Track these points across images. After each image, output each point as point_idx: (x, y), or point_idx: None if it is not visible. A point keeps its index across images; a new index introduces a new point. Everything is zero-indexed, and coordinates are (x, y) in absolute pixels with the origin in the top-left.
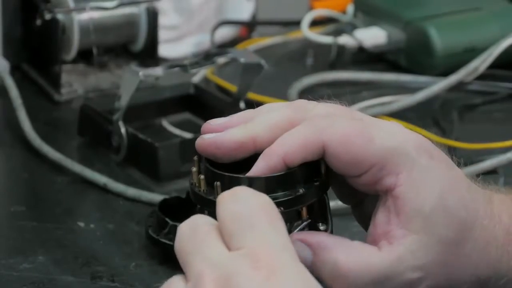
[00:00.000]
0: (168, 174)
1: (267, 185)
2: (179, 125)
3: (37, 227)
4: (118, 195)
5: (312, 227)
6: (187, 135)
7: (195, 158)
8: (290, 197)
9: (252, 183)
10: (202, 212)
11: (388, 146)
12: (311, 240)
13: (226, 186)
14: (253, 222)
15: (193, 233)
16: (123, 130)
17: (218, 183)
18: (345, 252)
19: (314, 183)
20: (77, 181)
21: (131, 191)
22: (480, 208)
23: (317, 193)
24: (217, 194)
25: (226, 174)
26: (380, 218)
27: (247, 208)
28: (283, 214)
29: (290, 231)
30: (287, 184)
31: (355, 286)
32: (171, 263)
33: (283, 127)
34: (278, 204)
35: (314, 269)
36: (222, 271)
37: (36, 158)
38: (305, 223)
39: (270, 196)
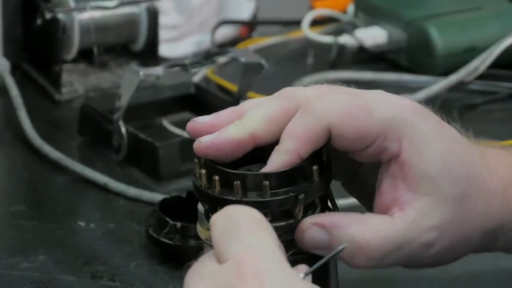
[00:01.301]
0: (168, 173)
1: (285, 179)
2: (180, 124)
3: (38, 227)
4: (119, 194)
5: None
6: (188, 135)
7: (196, 160)
8: (308, 189)
9: (270, 179)
10: (215, 212)
11: (387, 116)
12: (324, 221)
13: (245, 185)
14: (239, 234)
15: (199, 260)
16: (123, 129)
17: (238, 182)
18: (360, 227)
19: (323, 172)
20: (78, 180)
21: (131, 191)
22: (477, 162)
23: (325, 184)
24: (237, 193)
25: (244, 173)
26: (386, 186)
27: (234, 223)
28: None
29: None
30: (302, 176)
31: (374, 259)
32: (171, 263)
33: (279, 118)
34: (298, 195)
35: (331, 248)
36: (211, 282)
37: (37, 158)
38: (318, 209)
39: (287, 190)
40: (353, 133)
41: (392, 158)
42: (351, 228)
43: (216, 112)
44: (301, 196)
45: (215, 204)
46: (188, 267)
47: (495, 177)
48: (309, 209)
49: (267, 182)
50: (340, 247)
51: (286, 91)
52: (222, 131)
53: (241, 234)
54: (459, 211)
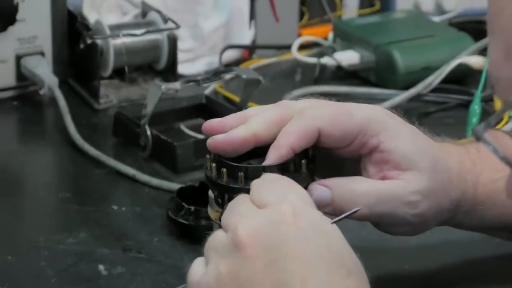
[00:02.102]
0: (184, 167)
1: (279, 170)
2: (194, 128)
3: (80, 210)
4: (144, 184)
5: None
6: (200, 136)
7: (207, 156)
8: (297, 179)
9: (267, 171)
10: (222, 197)
11: (365, 116)
12: (328, 182)
13: (247, 175)
14: (273, 183)
15: (232, 204)
16: (148, 132)
17: (242, 173)
18: (355, 182)
19: (309, 165)
20: (112, 173)
21: (154, 181)
22: (438, 146)
23: (312, 173)
24: (241, 182)
25: (246, 165)
26: (372, 170)
27: (269, 181)
28: None
29: None
30: (293, 168)
31: (369, 206)
32: (187, 239)
33: (276, 122)
34: None
35: (334, 203)
36: (254, 220)
37: (79, 155)
38: None
39: None
40: (339, 131)
41: (372, 149)
42: (349, 184)
43: (226, 116)
44: None
45: (223, 191)
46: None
47: (452, 159)
48: None
49: (263, 173)
50: (356, 208)
51: (284, 102)
52: (231, 131)
53: (278, 185)
54: (433, 182)
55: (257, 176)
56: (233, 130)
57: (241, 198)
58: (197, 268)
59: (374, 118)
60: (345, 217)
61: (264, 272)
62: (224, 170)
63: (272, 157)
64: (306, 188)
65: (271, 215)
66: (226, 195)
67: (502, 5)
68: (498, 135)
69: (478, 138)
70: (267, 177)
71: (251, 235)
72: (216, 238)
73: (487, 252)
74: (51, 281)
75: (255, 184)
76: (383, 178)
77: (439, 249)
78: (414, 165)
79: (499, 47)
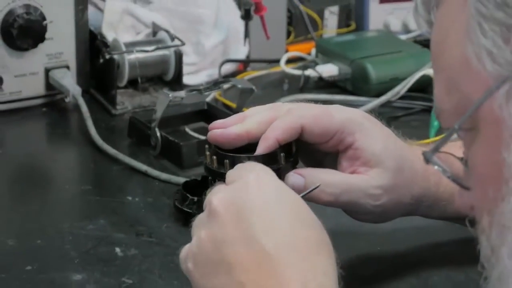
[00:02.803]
0: (189, 164)
1: (262, 161)
2: (197, 130)
3: (99, 200)
4: (155, 178)
5: None
6: (202, 137)
7: (206, 146)
8: (276, 169)
9: (251, 160)
10: (214, 181)
11: (343, 117)
12: (302, 171)
13: (232, 164)
14: (242, 166)
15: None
16: (158, 134)
17: (227, 161)
18: (326, 173)
19: (290, 158)
20: (127, 168)
21: (164, 176)
22: (407, 148)
23: (292, 165)
24: (226, 168)
25: (232, 154)
26: (345, 164)
27: (242, 168)
28: None
29: None
30: (274, 160)
31: (334, 194)
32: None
33: (267, 122)
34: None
35: (305, 188)
36: (224, 193)
37: (99, 153)
38: None
39: None
40: (319, 129)
41: (348, 146)
42: (320, 174)
43: (229, 117)
44: None
45: (213, 176)
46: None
47: (418, 161)
48: None
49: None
50: (317, 184)
51: (276, 104)
52: (229, 128)
53: (246, 165)
54: (396, 179)
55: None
56: (231, 127)
57: (218, 183)
58: (184, 247)
59: (352, 120)
60: (308, 192)
61: (235, 230)
62: (214, 157)
63: (261, 147)
64: None
65: (238, 184)
66: (216, 179)
67: (443, 49)
68: (446, 156)
69: (428, 161)
70: (241, 164)
71: (222, 203)
72: (198, 217)
73: (449, 236)
74: (74, 262)
75: (230, 170)
76: (353, 172)
77: (408, 233)
78: (380, 163)
79: (442, 84)
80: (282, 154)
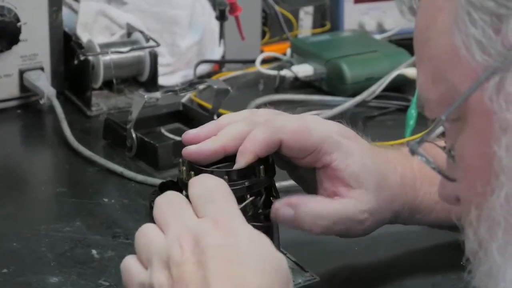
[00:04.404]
0: (165, 165)
1: (241, 175)
2: (172, 131)
3: (75, 202)
4: (131, 179)
5: (268, 198)
6: (178, 138)
7: (180, 160)
8: (255, 182)
9: (230, 174)
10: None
11: (321, 135)
12: (293, 201)
13: None
14: (212, 198)
15: (170, 203)
16: (134, 135)
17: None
18: (318, 203)
19: (268, 170)
20: (103, 170)
21: (139, 177)
22: (384, 163)
23: (270, 177)
24: None
25: (211, 169)
26: (327, 184)
27: (207, 188)
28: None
29: (256, 203)
30: (252, 173)
31: (326, 226)
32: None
33: (242, 136)
34: (247, 189)
35: (296, 220)
36: (195, 232)
37: (74, 155)
38: (263, 196)
39: (239, 183)
40: (297, 146)
41: (325, 165)
42: (311, 204)
43: (201, 126)
44: (249, 186)
45: (184, 188)
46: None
47: (395, 174)
48: (257, 196)
49: (226, 177)
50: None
51: (252, 113)
52: (203, 143)
53: (214, 198)
54: (378, 200)
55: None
56: (205, 142)
57: (178, 201)
58: (137, 268)
59: (330, 138)
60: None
61: (195, 272)
62: (192, 173)
63: (240, 161)
64: (265, 189)
65: (206, 228)
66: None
67: (428, 36)
68: (430, 147)
69: (413, 151)
70: (205, 193)
71: (190, 244)
72: (156, 239)
73: (426, 242)
74: (51, 264)
75: (193, 185)
76: (335, 193)
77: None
78: (361, 184)
79: (427, 72)
80: (261, 167)
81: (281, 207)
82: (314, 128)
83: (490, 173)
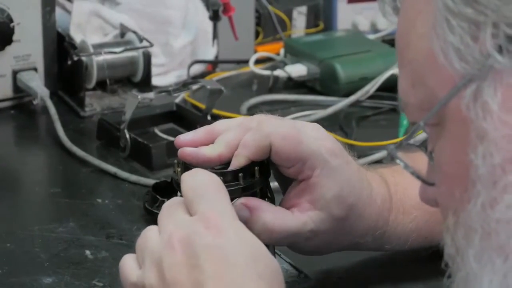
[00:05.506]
0: (158, 165)
1: (234, 175)
2: (166, 132)
3: (69, 203)
4: (124, 180)
5: (262, 199)
6: (171, 139)
7: (175, 161)
8: (250, 183)
9: (226, 176)
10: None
11: (310, 148)
12: (250, 203)
13: None
14: (204, 192)
15: (169, 206)
16: (127, 135)
17: None
18: (271, 214)
19: (263, 171)
20: (96, 170)
21: (133, 177)
22: (364, 188)
23: (266, 178)
24: None
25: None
26: (294, 193)
27: (199, 181)
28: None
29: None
30: (247, 174)
31: (275, 238)
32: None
33: (237, 145)
34: (243, 189)
35: (248, 224)
36: (185, 230)
37: (68, 155)
38: (258, 196)
39: (234, 184)
40: (285, 154)
41: (305, 179)
42: (265, 213)
43: (195, 130)
44: (244, 187)
45: (178, 188)
46: (163, 203)
47: (371, 207)
48: (252, 196)
49: (221, 178)
50: None
51: (246, 120)
52: (200, 149)
53: (205, 192)
54: (337, 227)
55: None
56: (202, 149)
57: (176, 203)
58: (131, 267)
59: (318, 153)
60: None
61: (187, 274)
62: (179, 169)
63: (234, 164)
64: (260, 189)
65: (197, 227)
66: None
67: (408, 40)
68: (409, 153)
69: (392, 156)
70: (197, 187)
71: (181, 244)
72: (152, 240)
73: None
74: (44, 265)
75: (185, 180)
76: (297, 205)
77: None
78: (326, 210)
79: (407, 76)
80: (256, 168)
81: (240, 206)
82: (305, 139)
83: (467, 181)
